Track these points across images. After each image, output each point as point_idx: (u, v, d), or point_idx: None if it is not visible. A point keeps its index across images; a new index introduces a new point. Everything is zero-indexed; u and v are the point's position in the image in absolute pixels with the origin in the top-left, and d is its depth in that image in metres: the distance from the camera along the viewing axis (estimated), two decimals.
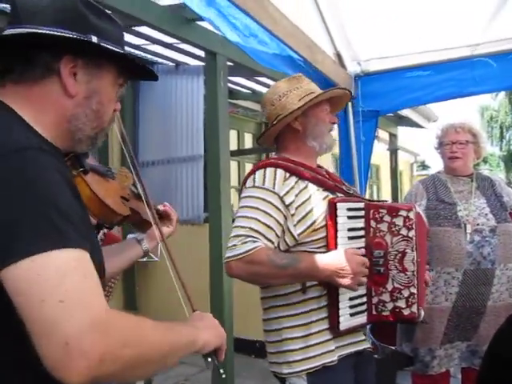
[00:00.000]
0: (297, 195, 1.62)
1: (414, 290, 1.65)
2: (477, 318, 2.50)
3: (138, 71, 1.05)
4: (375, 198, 12.11)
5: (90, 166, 1.11)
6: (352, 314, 1.63)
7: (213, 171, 3.52)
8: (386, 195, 10.68)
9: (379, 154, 7.55)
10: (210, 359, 1.07)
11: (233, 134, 6.58)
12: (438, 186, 2.66)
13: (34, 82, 0.89)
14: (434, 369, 2.54)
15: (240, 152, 6.89)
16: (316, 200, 1.64)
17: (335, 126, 1.88)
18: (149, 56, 5.16)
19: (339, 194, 1.73)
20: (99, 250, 0.96)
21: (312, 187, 1.66)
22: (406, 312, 1.65)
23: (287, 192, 1.61)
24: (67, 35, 0.88)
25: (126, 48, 3.87)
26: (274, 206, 1.58)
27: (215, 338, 1.04)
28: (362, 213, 1.68)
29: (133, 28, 4.12)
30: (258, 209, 1.57)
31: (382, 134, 7.69)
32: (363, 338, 1.71)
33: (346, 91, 1.86)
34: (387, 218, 1.67)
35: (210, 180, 3.56)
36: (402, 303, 1.66)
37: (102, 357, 0.69)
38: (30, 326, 0.69)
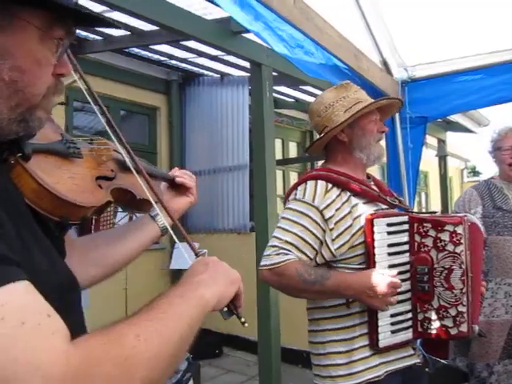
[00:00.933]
0: (338, 209, 1.60)
1: (462, 309, 1.57)
2: None
3: (83, 16, 0.69)
4: (424, 205, 11.78)
5: (40, 146, 0.81)
6: (394, 331, 1.58)
7: (259, 180, 3.55)
8: (435, 202, 10.38)
9: (427, 161, 7.36)
10: (225, 309, 0.85)
11: (277, 142, 6.60)
12: (493, 193, 2.56)
13: None
14: None
15: (285, 161, 6.90)
16: (356, 214, 1.61)
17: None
18: (195, 68, 5.28)
19: (383, 206, 1.70)
20: (54, 265, 0.70)
21: (354, 200, 1.63)
22: (453, 331, 1.58)
23: (328, 205, 1.59)
24: None
25: (173, 61, 3.93)
26: (312, 219, 1.58)
27: (229, 288, 0.82)
28: (406, 226, 1.62)
29: (180, 42, 4.24)
30: (295, 222, 1.58)
31: (430, 139, 7.49)
32: (412, 352, 1.66)
33: (395, 100, 1.84)
34: (432, 233, 1.59)
35: (257, 189, 3.59)
36: (448, 322, 1.58)
37: None
38: None
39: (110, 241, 1.07)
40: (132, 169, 0.98)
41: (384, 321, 1.57)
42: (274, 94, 5.01)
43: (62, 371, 0.51)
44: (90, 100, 0.94)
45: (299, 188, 1.66)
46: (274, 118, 4.21)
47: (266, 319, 3.44)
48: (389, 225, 1.59)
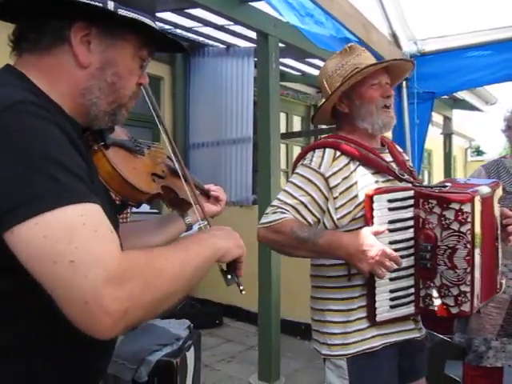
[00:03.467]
0: (345, 178, 1.58)
1: (465, 289, 1.53)
2: None
3: (166, 43, 0.97)
4: (426, 184, 11.76)
5: (116, 140, 1.04)
6: (393, 306, 1.58)
7: (263, 153, 3.53)
8: (438, 181, 10.33)
9: (432, 139, 7.30)
10: (229, 276, 1.02)
11: (282, 116, 6.55)
12: (501, 173, 2.52)
13: (45, 51, 0.84)
14: (488, 360, 2.45)
15: (289, 135, 6.85)
16: (362, 186, 1.58)
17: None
18: (200, 38, 5.20)
19: (391, 178, 1.65)
20: (114, 222, 0.89)
21: (362, 170, 1.60)
22: (454, 310, 1.55)
23: (334, 173, 1.58)
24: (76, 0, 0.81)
25: (178, 30, 3.91)
26: (316, 186, 1.57)
27: (235, 248, 0.97)
28: (411, 202, 1.57)
29: (185, 10, 4.16)
30: (299, 187, 1.59)
31: (436, 117, 7.42)
32: (412, 326, 1.65)
33: (392, 62, 1.69)
34: (437, 210, 1.52)
35: (261, 162, 3.58)
36: (450, 301, 1.55)
37: (125, 309, 0.68)
38: (48, 289, 0.68)
39: (146, 230, 1.28)
40: (180, 174, 1.21)
41: (382, 296, 1.56)
42: (280, 67, 4.94)
43: (116, 268, 0.68)
44: (152, 111, 1.19)
45: (308, 155, 1.65)
46: (280, 90, 4.16)
47: (267, 291, 3.47)
48: (390, 201, 1.55)
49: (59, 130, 0.74)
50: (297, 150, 7.34)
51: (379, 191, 1.55)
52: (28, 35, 0.85)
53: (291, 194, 1.59)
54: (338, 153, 1.61)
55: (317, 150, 1.63)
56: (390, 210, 1.55)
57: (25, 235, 0.66)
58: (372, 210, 1.52)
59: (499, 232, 1.72)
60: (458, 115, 8.20)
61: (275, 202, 1.61)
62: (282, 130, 6.25)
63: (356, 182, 1.58)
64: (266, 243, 1.65)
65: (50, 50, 0.84)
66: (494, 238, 1.69)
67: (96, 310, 0.66)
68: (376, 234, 1.48)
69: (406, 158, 1.84)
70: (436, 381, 1.94)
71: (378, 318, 1.56)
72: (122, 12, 0.84)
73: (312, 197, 1.57)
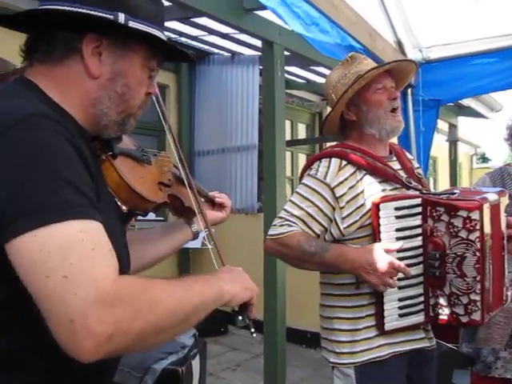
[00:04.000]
0: (351, 187, 1.58)
1: (475, 297, 1.51)
2: None
3: (174, 53, 0.99)
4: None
5: (124, 150, 1.05)
6: (402, 315, 1.56)
7: (268, 161, 3.53)
8: (443, 189, 10.29)
9: (437, 146, 7.28)
10: (240, 317, 1.00)
11: (287, 124, 6.55)
12: (505, 180, 2.51)
13: (57, 62, 0.85)
14: (497, 371, 2.41)
15: (294, 142, 6.86)
16: (369, 194, 1.58)
17: None
18: (205, 47, 5.23)
19: (399, 186, 1.64)
20: (119, 236, 0.91)
21: (368, 179, 1.60)
22: (464, 319, 1.53)
23: (340, 183, 1.58)
24: (86, 12, 0.83)
25: (183, 39, 3.93)
26: (322, 196, 1.58)
27: (243, 291, 0.95)
28: (419, 209, 1.55)
29: (191, 19, 4.19)
30: (305, 198, 1.59)
31: (441, 124, 7.40)
32: (422, 335, 1.64)
33: (393, 64, 1.67)
34: (445, 218, 1.51)
35: (266, 170, 3.58)
36: (459, 310, 1.53)
37: (110, 334, 0.65)
38: (38, 303, 0.67)
39: (153, 238, 1.28)
40: (186, 182, 1.22)
41: (390, 305, 1.54)
42: (285, 75, 4.97)
43: (108, 290, 0.67)
44: (162, 121, 1.22)
45: (314, 165, 1.66)
46: (285, 98, 4.17)
47: (273, 299, 3.46)
48: (397, 209, 1.54)
49: (71, 146, 0.75)
50: (302, 158, 7.34)
51: (386, 199, 1.55)
52: (40, 46, 0.86)
53: (298, 205, 1.59)
54: (344, 162, 1.61)
55: (323, 160, 1.64)
56: (397, 218, 1.54)
57: (22, 247, 0.66)
58: (378, 218, 1.51)
59: (505, 241, 1.70)
60: (463, 122, 8.18)
61: (282, 214, 1.61)
62: (287, 137, 6.26)
63: (362, 191, 1.58)
64: (273, 255, 1.67)
65: (62, 61, 0.85)
66: (501, 247, 1.67)
67: (80, 330, 0.64)
68: (387, 251, 1.48)
69: (416, 165, 1.83)
70: None
71: (387, 327, 1.55)
72: (132, 24, 0.86)
73: (318, 207, 1.57)
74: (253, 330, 1.05)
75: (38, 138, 0.72)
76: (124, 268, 0.92)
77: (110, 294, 0.67)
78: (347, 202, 1.57)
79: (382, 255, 1.46)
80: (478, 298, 1.51)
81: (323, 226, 1.58)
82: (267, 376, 3.46)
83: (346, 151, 1.64)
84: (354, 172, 1.60)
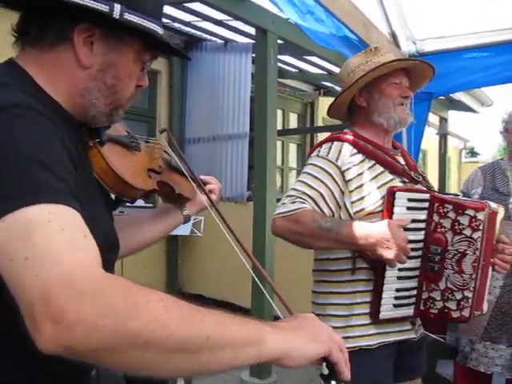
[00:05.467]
0: (360, 174, 1.60)
1: (468, 294, 1.57)
2: None
3: (167, 48, 0.97)
4: None
5: (112, 136, 1.04)
6: (396, 306, 1.59)
7: (259, 150, 3.52)
8: (433, 182, 10.37)
9: (427, 139, 7.32)
10: (333, 382, 0.76)
11: (278, 113, 6.54)
12: (496, 174, 2.53)
13: (48, 48, 0.84)
14: (472, 362, 2.46)
15: (285, 132, 6.85)
16: (379, 183, 1.60)
17: None
18: (198, 33, 5.17)
19: (406, 180, 1.67)
20: (106, 222, 0.90)
21: (378, 168, 1.63)
22: (455, 314, 1.58)
23: (349, 168, 1.60)
24: (79, 1, 0.80)
25: (176, 25, 3.88)
26: (331, 177, 1.58)
27: (309, 343, 0.74)
28: (426, 204, 1.59)
29: (184, 4, 4.14)
30: (315, 177, 1.59)
31: (432, 117, 7.44)
32: (408, 327, 1.66)
33: (416, 62, 1.73)
34: (452, 215, 1.56)
35: (257, 159, 3.57)
36: (452, 305, 1.58)
37: (70, 322, 0.57)
38: (11, 292, 0.62)
39: (143, 221, 1.26)
40: (183, 171, 1.22)
41: (388, 293, 1.57)
42: (278, 64, 4.95)
43: (76, 274, 0.60)
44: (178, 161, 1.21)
45: (324, 146, 1.66)
46: (277, 87, 4.15)
47: (260, 287, 3.47)
48: (410, 200, 1.57)
49: (51, 134, 0.73)
50: (293, 147, 7.34)
51: (402, 188, 1.59)
52: (31, 30, 0.84)
53: (309, 185, 1.58)
54: (355, 150, 1.63)
55: (335, 143, 1.65)
56: (408, 208, 1.58)
57: None
58: (393, 206, 1.54)
59: (495, 253, 1.73)
60: (453, 116, 8.23)
61: (292, 192, 1.58)
62: (279, 126, 6.25)
63: (373, 179, 1.61)
64: (282, 234, 1.59)
65: (53, 48, 0.84)
66: (489, 257, 1.71)
67: (40, 313, 0.58)
68: (400, 225, 1.50)
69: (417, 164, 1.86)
70: (428, 379, 1.94)
71: (382, 316, 1.57)
72: (127, 17, 0.84)
73: (329, 188, 1.58)
74: None
75: (16, 127, 0.69)
76: (115, 247, 0.93)
77: (78, 278, 0.59)
78: (357, 187, 1.59)
79: (399, 231, 1.49)
80: (470, 295, 1.57)
81: (331, 209, 1.58)
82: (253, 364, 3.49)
83: (357, 140, 1.66)
84: (364, 160, 1.62)
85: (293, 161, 7.37)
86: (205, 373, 0.65)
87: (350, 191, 1.58)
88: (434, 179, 9.99)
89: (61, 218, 0.64)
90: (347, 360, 0.78)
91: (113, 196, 1.04)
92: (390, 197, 1.55)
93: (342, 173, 1.59)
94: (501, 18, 2.78)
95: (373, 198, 1.58)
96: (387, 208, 1.55)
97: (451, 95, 6.27)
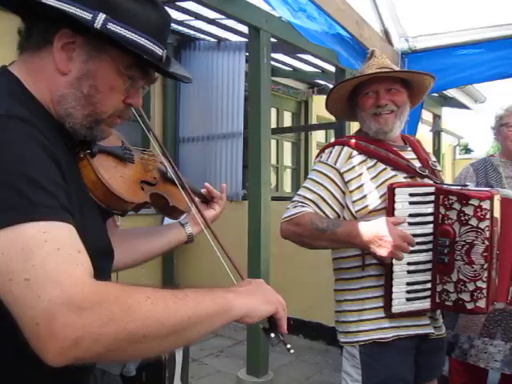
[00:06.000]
0: (360, 174, 1.63)
1: (481, 285, 1.56)
2: None
3: (162, 69, 0.91)
4: None
5: (104, 148, 1.01)
6: (409, 299, 1.61)
7: (253, 149, 3.52)
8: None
9: (421, 136, 7.32)
10: (272, 334, 0.91)
11: (272, 111, 6.54)
12: (488, 170, 2.55)
13: (35, 51, 0.84)
14: (471, 358, 2.47)
15: (279, 130, 6.85)
16: (380, 180, 1.63)
17: None
18: (191, 32, 5.16)
19: (410, 175, 1.68)
20: (98, 230, 0.90)
21: (380, 166, 1.65)
22: (469, 306, 1.58)
23: (349, 169, 1.64)
24: (58, 6, 0.79)
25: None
26: (332, 180, 1.65)
27: (263, 304, 0.88)
28: (432, 198, 1.61)
29: (177, 3, 4.13)
30: (317, 182, 1.66)
31: (425, 114, 7.46)
32: (426, 322, 1.67)
33: (373, 75, 1.66)
34: (457, 206, 1.56)
35: (251, 157, 3.57)
36: (465, 296, 1.58)
37: (76, 338, 0.62)
38: (7, 306, 0.64)
39: (146, 236, 1.25)
40: (176, 181, 1.19)
41: (399, 288, 1.59)
42: (271, 62, 4.95)
43: (75, 291, 0.63)
44: (140, 122, 1.16)
45: (326, 151, 1.73)
46: (271, 85, 4.15)
47: None
48: (411, 195, 1.59)
49: (39, 146, 0.71)
50: (287, 146, 7.34)
51: (401, 184, 1.61)
52: (23, 31, 0.85)
53: (310, 189, 1.66)
54: (356, 152, 1.67)
55: (336, 147, 1.72)
56: (411, 203, 1.59)
57: None
58: (394, 202, 1.56)
59: None
60: (447, 113, 8.26)
61: (296, 198, 1.68)
62: (273, 125, 6.25)
63: (375, 177, 1.64)
64: (288, 237, 1.68)
65: (38, 51, 0.83)
66: None
67: (45, 333, 0.61)
68: (395, 223, 1.52)
69: (433, 158, 1.86)
70: None
71: (394, 310, 1.60)
72: (112, 27, 0.81)
73: (330, 191, 1.64)
74: (289, 346, 0.95)
75: (2, 139, 0.68)
76: (109, 254, 0.93)
77: (77, 296, 0.63)
78: (357, 188, 1.63)
79: (392, 228, 1.50)
80: (484, 285, 1.56)
81: (335, 210, 1.64)
82: (250, 362, 3.50)
83: (359, 142, 1.70)
84: (365, 160, 1.66)
85: (287, 159, 7.37)
86: (188, 343, 0.79)
87: (351, 191, 1.63)
88: None
89: (55, 237, 0.66)
90: (286, 317, 0.93)
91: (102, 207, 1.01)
92: (390, 194, 1.57)
93: (342, 174, 1.64)
94: (492, 15, 2.80)
95: (374, 196, 1.61)
96: (389, 205, 1.57)
97: (444, 92, 6.30)
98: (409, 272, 1.60)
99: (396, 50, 3.03)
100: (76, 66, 0.83)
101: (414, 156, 1.75)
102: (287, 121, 7.35)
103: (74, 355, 0.63)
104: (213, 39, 5.24)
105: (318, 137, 7.64)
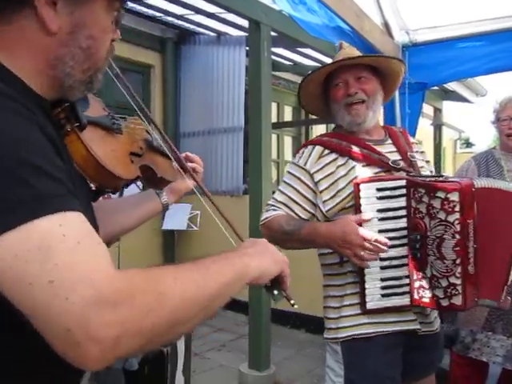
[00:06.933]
0: (331, 173, 1.62)
1: (455, 281, 1.47)
2: None
3: None
4: None
5: (92, 119, 0.91)
6: (385, 295, 1.57)
7: (254, 143, 3.51)
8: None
9: (422, 129, 7.30)
10: (276, 292, 0.92)
11: (273, 106, 6.53)
12: (490, 164, 2.54)
13: (7, 21, 0.72)
14: (474, 352, 2.47)
15: (280, 125, 6.84)
16: (352, 177, 1.59)
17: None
18: (191, 26, 5.15)
19: (387, 170, 1.65)
20: (91, 213, 0.82)
21: (352, 163, 1.62)
22: (444, 303, 1.50)
23: (320, 169, 1.64)
24: None
25: (169, 18, 3.87)
26: (302, 181, 1.66)
27: (273, 264, 0.87)
28: (403, 191, 1.55)
29: None
30: (289, 184, 1.69)
31: (426, 108, 7.44)
32: (412, 318, 1.61)
33: (340, 63, 1.65)
34: (425, 199, 1.50)
35: (251, 152, 3.56)
36: (439, 293, 1.51)
37: (117, 337, 0.57)
38: (26, 315, 0.58)
39: (123, 209, 1.19)
40: (166, 150, 1.09)
41: (372, 284, 1.56)
42: (272, 56, 4.93)
43: (106, 286, 0.58)
44: (117, 82, 1.07)
45: (300, 152, 1.74)
46: (271, 80, 4.14)
47: None
48: (379, 189, 1.55)
49: (36, 127, 0.64)
50: (288, 140, 7.33)
51: (367, 180, 1.57)
52: None
53: (282, 192, 1.70)
54: (327, 150, 1.67)
55: (309, 147, 1.72)
56: (379, 198, 1.55)
57: None
58: (359, 198, 1.54)
59: None
60: (448, 107, 8.24)
61: (269, 201, 1.72)
62: (273, 119, 6.24)
63: (345, 175, 1.62)
64: (268, 240, 1.66)
65: (12, 19, 0.72)
66: (498, 236, 1.56)
67: (81, 338, 0.55)
68: (358, 222, 1.51)
69: (417, 149, 1.79)
70: None
71: (369, 306, 1.57)
72: None
73: (299, 191, 1.66)
74: (293, 301, 0.96)
75: None
76: None
77: (109, 291, 0.57)
78: (327, 187, 1.62)
79: (353, 228, 1.49)
80: (458, 281, 1.48)
81: (307, 210, 1.66)
82: (252, 356, 3.51)
83: (330, 140, 1.69)
84: (336, 158, 1.65)
85: (288, 154, 7.37)
86: (215, 311, 0.74)
87: (321, 191, 1.63)
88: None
89: (73, 229, 0.59)
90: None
91: (93, 186, 0.92)
92: (356, 190, 1.55)
93: (312, 175, 1.65)
94: (493, 7, 2.78)
95: (344, 194, 1.60)
96: (356, 201, 1.55)
97: (445, 86, 6.28)
98: (382, 268, 1.56)
99: (397, 43, 3.03)
100: (63, 21, 0.73)
101: (393, 148, 1.71)
102: (288, 115, 7.34)
103: (115, 354, 0.58)
104: (213, 33, 5.23)
105: (319, 131, 7.63)
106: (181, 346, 2.46)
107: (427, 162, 1.81)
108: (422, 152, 1.81)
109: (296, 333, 4.37)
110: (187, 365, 2.53)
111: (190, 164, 1.26)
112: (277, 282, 0.92)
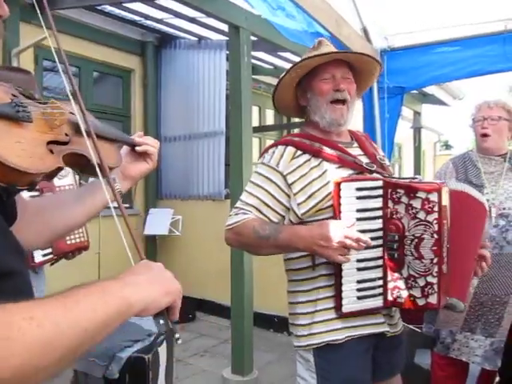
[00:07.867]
0: (304, 175, 1.58)
1: (432, 280, 1.51)
2: (500, 308, 2.39)
3: None
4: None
5: None
6: (360, 298, 1.56)
7: (235, 147, 3.52)
8: (408, 175, 10.52)
9: (402, 133, 7.43)
10: (161, 321, 0.82)
11: (255, 110, 6.54)
12: (468, 166, 2.57)
13: None
14: (454, 352, 2.50)
15: (262, 128, 6.85)
16: (327, 180, 1.57)
17: (359, 102, 1.78)
18: (171, 30, 5.13)
19: (359, 172, 1.64)
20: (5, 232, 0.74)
21: (326, 165, 1.60)
22: (421, 302, 1.53)
23: (292, 171, 1.58)
24: None
25: (149, 22, 3.83)
26: (275, 183, 1.59)
27: (163, 296, 0.77)
28: (380, 192, 1.55)
29: (156, 1, 4.10)
30: (258, 185, 1.61)
31: (406, 111, 7.54)
32: (381, 320, 1.62)
33: (335, 55, 1.60)
34: (404, 199, 1.52)
35: (233, 156, 3.56)
36: (416, 292, 1.53)
37: None
38: None
39: (65, 206, 1.07)
40: (83, 132, 0.92)
41: (349, 286, 1.55)
42: (252, 61, 4.94)
43: None
44: (56, 57, 0.92)
45: (269, 152, 1.66)
46: (252, 84, 4.15)
47: (240, 284, 3.48)
48: (358, 189, 1.54)
49: None
50: (270, 143, 7.34)
51: (348, 179, 1.56)
52: None
53: (252, 194, 1.60)
54: (300, 151, 1.61)
55: (279, 147, 1.64)
56: (358, 198, 1.54)
57: None
58: (339, 197, 1.52)
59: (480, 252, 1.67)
60: (427, 110, 8.36)
61: (238, 204, 1.62)
62: (255, 123, 6.25)
63: (319, 177, 1.58)
64: (231, 245, 1.64)
65: None
66: (470, 237, 1.63)
67: None
68: (341, 224, 1.48)
69: (381, 153, 1.81)
70: (406, 369, 1.96)
71: (345, 309, 1.55)
72: None
73: (272, 195, 1.58)
74: (177, 335, 0.86)
75: None
76: (11, 282, 0.71)
77: None
78: (301, 189, 1.57)
79: (335, 228, 1.45)
80: (434, 280, 1.51)
81: (279, 214, 1.59)
82: (235, 360, 3.50)
83: (302, 141, 1.64)
84: (309, 159, 1.60)
85: None
86: (92, 346, 0.66)
87: (295, 194, 1.57)
88: (409, 172, 10.12)
89: None
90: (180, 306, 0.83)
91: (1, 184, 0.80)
92: (336, 189, 1.52)
93: (285, 177, 1.58)
94: (468, 13, 2.84)
95: (320, 195, 1.56)
96: (335, 200, 1.52)
97: (424, 89, 6.37)
98: (358, 269, 1.55)
99: (375, 48, 3.06)
100: None
101: (360, 152, 1.70)
102: (270, 119, 7.36)
103: None
104: (193, 38, 5.22)
105: None
106: (163, 352, 2.44)
107: (388, 165, 1.80)
108: (383, 155, 1.81)
109: (279, 336, 4.37)
110: (169, 372, 2.51)
111: (138, 148, 1.13)
112: (165, 312, 0.82)
